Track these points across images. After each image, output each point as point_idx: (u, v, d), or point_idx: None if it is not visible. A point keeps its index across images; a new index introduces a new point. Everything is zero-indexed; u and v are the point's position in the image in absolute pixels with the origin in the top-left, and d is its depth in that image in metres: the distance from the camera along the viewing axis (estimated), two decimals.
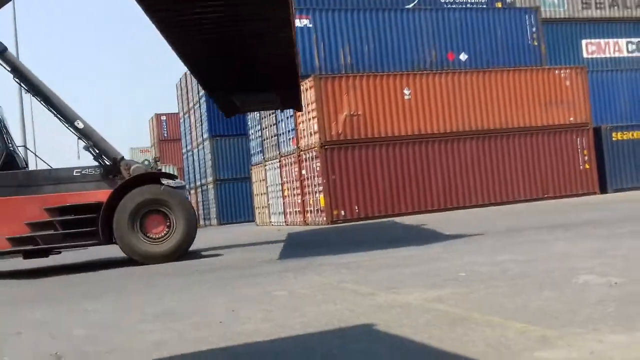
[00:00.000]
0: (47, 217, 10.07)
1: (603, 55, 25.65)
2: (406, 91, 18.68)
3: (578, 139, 20.93)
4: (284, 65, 10.76)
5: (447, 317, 4.04)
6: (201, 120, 33.11)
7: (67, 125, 10.89)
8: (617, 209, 12.85)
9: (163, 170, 11.68)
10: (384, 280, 5.93)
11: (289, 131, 20.55)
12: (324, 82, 18.75)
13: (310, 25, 19.83)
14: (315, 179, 18.74)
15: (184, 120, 38.44)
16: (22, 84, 11.07)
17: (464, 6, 21.94)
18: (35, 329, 5.04)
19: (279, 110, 20.98)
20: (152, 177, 10.77)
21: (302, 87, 19.03)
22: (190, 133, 36.43)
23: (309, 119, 18.90)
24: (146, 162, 11.25)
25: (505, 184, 19.76)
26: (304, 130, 19.42)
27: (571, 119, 20.96)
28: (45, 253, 10.80)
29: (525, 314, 3.92)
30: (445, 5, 22.13)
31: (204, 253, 11.59)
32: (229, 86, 11.71)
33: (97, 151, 10.80)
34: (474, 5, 22.29)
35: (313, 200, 19.03)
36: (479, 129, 19.60)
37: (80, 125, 10.78)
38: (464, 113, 19.57)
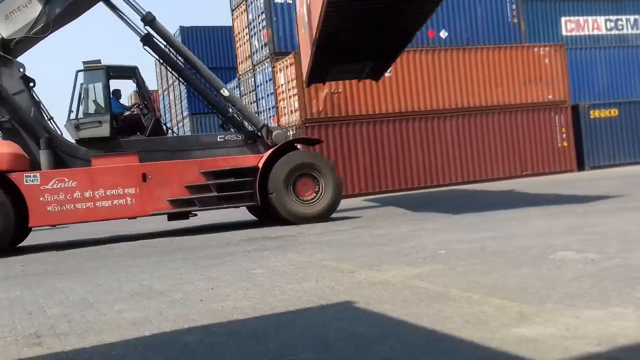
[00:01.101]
0: (203, 181, 10.58)
1: (582, 33, 25.69)
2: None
3: (556, 117, 21.04)
4: (405, 37, 11.80)
5: (425, 294, 4.08)
6: (180, 98, 32.83)
7: (213, 93, 11.63)
8: (594, 186, 13.01)
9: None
10: (364, 258, 5.97)
11: (269, 109, 20.41)
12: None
13: (290, 2, 19.62)
14: None
15: (163, 98, 38.08)
16: (172, 52, 11.65)
17: None
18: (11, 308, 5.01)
19: (261, 88, 20.86)
20: (292, 144, 11.39)
21: (282, 64, 18.92)
22: (170, 110, 36.11)
23: (290, 97, 18.80)
24: (281, 131, 11.54)
25: (484, 162, 19.84)
26: (284, 107, 19.31)
27: (550, 96, 21.05)
28: (186, 215, 11.09)
29: (503, 291, 3.97)
30: None
31: (195, 232, 11.55)
32: (344, 56, 12.21)
33: (241, 118, 11.34)
34: None
35: None
36: (459, 107, 19.60)
37: (226, 93, 11.50)
38: (444, 91, 19.55)
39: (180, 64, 12.04)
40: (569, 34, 25.02)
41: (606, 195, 10.53)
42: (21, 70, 10.52)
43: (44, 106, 10.91)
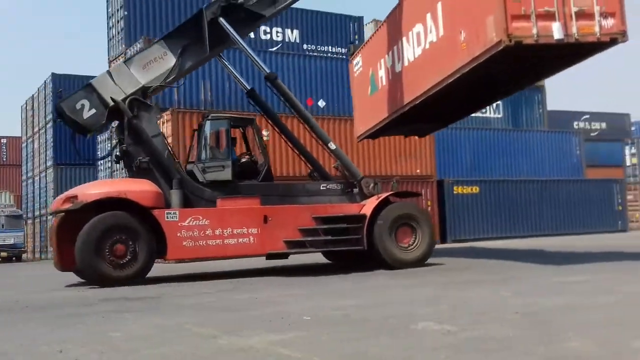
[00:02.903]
0: (314, 225, 11.41)
1: None
2: (265, 132, 18.74)
3: (423, 190, 22.06)
4: (477, 107, 14.17)
5: None
6: (46, 146, 31.22)
7: (322, 146, 12.64)
8: (456, 259, 13.59)
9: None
10: (228, 322, 5.81)
11: None
12: (182, 116, 18.43)
13: None
14: None
15: (26, 145, 36.06)
16: (289, 107, 12.72)
17: (325, 55, 22.69)
18: None
19: None
20: (398, 195, 12.61)
21: (158, 122, 18.56)
22: (33, 159, 34.21)
23: None
24: (378, 184, 12.31)
25: None
26: None
27: (418, 170, 22.11)
28: (285, 256, 12.03)
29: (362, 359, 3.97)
30: (307, 53, 22.77)
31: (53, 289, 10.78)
32: (417, 118, 13.89)
33: (344, 168, 12.39)
34: (334, 55, 23.13)
35: None
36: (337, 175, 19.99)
37: (333, 147, 12.43)
38: (320, 159, 19.89)
39: (277, 119, 13.54)
40: None
41: (468, 267, 11.03)
42: (158, 115, 11.80)
43: (172, 149, 12.05)
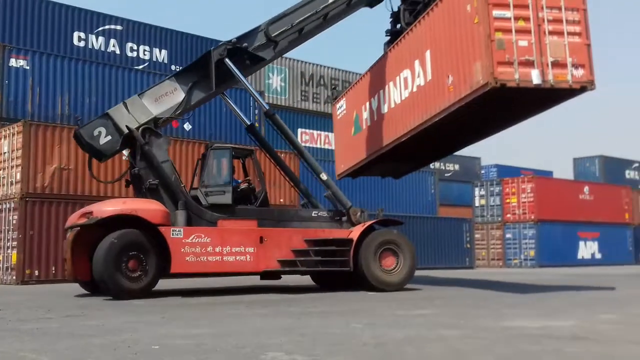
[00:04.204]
0: (306, 247, 12.58)
1: (315, 145, 27.99)
2: (125, 152, 18.09)
3: None
4: (454, 149, 16.19)
5: None
6: None
7: (314, 176, 13.73)
8: (307, 290, 13.71)
9: None
10: (69, 351, 5.44)
11: None
12: (35, 129, 17.28)
13: (28, 67, 18.44)
14: (10, 233, 16.98)
15: None
16: (285, 140, 13.80)
17: None
18: None
19: None
20: (382, 222, 13.69)
21: (9, 131, 17.44)
22: None
23: (12, 167, 17.26)
24: (365, 213, 13.35)
25: None
26: (3, 178, 17.64)
27: (281, 200, 22.26)
28: (278, 276, 13.22)
29: None
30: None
31: None
32: (395, 158, 15.57)
33: (335, 198, 13.48)
34: None
35: (3, 257, 17.15)
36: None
37: (324, 178, 13.52)
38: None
39: (274, 152, 14.62)
40: (304, 144, 26.97)
41: (320, 298, 11.14)
42: (167, 143, 12.87)
43: (178, 174, 13.09)
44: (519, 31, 10.58)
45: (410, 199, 28.73)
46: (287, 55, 27.29)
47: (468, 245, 30.91)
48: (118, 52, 22.18)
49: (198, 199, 12.35)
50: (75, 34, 21.34)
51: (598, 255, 35.59)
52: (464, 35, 11.25)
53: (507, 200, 34.15)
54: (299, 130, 27.58)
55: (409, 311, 8.88)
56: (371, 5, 14.97)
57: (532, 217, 33.00)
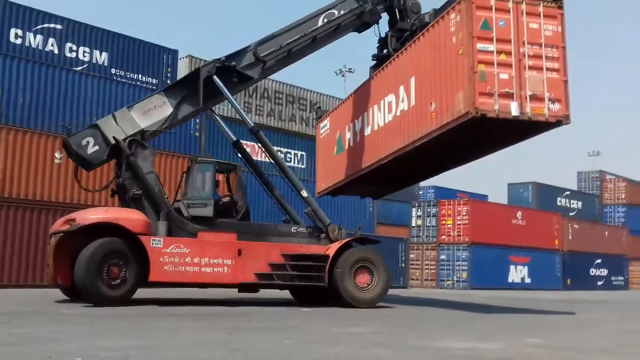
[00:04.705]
0: (283, 261, 12.78)
1: (256, 158, 27.67)
2: (57, 155, 17.57)
3: None
4: (433, 173, 16.85)
5: None
6: None
7: (295, 193, 13.91)
8: (243, 304, 13.55)
9: None
10: None
11: None
12: None
13: None
14: None
15: None
16: (269, 159, 14.19)
17: (133, 83, 21.86)
18: None
19: None
20: (358, 240, 13.94)
21: None
22: None
23: None
24: (343, 230, 13.65)
25: None
26: None
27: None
28: (256, 289, 13.31)
29: None
30: (115, 78, 21.82)
31: None
32: (376, 180, 16.18)
33: (314, 215, 13.76)
34: (144, 85, 22.40)
35: None
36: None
37: (305, 195, 13.76)
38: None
39: (259, 169, 14.96)
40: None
41: (257, 313, 11.01)
42: (152, 155, 13.03)
43: (162, 186, 13.08)
44: (500, 64, 11.05)
45: (349, 217, 28.84)
46: None
47: (403, 265, 31.23)
48: (56, 51, 21.47)
49: (180, 211, 12.63)
50: (13, 31, 20.58)
51: (528, 280, 36.51)
52: (448, 65, 11.71)
53: (443, 222, 34.73)
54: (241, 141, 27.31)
55: (343, 329, 8.86)
56: (359, 30, 15.49)
57: (466, 239, 33.65)
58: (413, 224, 36.11)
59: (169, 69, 24.23)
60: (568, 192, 50.86)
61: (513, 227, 36.13)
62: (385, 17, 15.56)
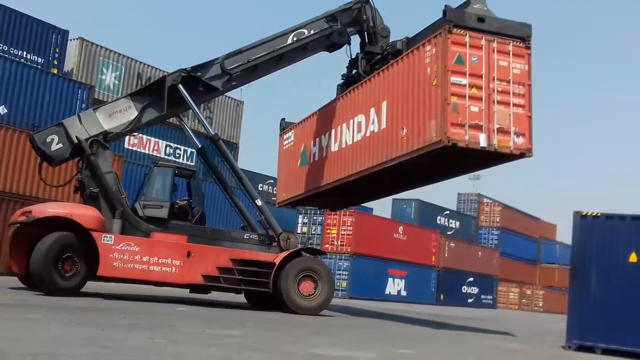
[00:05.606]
0: (231, 265, 13.24)
1: (142, 150, 26.87)
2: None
3: None
4: (397, 190, 17.77)
5: None
6: None
7: (250, 201, 14.48)
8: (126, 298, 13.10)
9: None
10: None
11: None
12: None
13: None
14: None
15: None
16: (227, 166, 14.74)
17: (15, 59, 20.50)
18: None
19: None
20: (307, 250, 14.92)
21: None
22: None
23: None
24: (292, 240, 14.24)
25: None
26: None
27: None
28: (207, 291, 13.87)
29: None
30: None
31: None
32: (338, 194, 16.57)
33: (267, 223, 14.15)
34: (27, 62, 21.12)
35: None
36: (14, 192, 17.66)
37: (259, 203, 14.26)
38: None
39: (221, 176, 15.03)
40: (131, 147, 25.94)
41: (133, 310, 10.63)
42: (111, 156, 13.55)
43: (121, 187, 13.65)
44: (471, 98, 11.58)
45: (233, 222, 28.53)
46: (126, 52, 26.41)
47: None
48: None
49: (136, 211, 13.10)
50: None
51: (404, 293, 37.60)
52: (421, 94, 12.16)
53: (328, 231, 35.12)
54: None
55: (218, 331, 8.72)
56: (329, 50, 15.85)
57: (349, 249, 34.20)
58: (298, 231, 36.33)
59: (57, 49, 23.06)
60: (448, 212, 52.95)
61: (394, 241, 37.12)
62: (357, 38, 15.86)
